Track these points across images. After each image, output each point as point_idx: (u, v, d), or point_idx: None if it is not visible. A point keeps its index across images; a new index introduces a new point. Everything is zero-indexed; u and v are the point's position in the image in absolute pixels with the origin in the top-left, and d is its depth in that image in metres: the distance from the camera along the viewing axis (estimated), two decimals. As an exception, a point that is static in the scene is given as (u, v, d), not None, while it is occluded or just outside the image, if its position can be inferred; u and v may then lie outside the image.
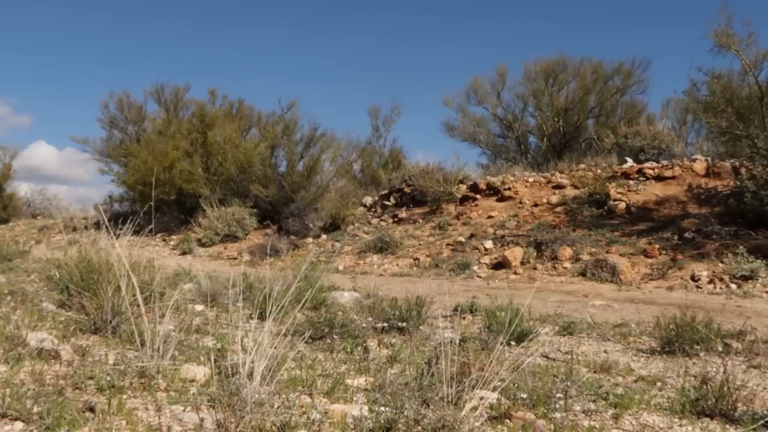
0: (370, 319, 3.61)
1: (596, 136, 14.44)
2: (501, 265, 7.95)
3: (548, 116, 16.58)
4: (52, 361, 2.18)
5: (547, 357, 3.00)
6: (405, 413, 1.68)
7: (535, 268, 7.63)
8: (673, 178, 9.57)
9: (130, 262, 2.73)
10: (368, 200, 12.66)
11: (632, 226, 8.34)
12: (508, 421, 1.86)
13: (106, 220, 3.18)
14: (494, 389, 1.90)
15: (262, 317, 2.60)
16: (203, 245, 11.78)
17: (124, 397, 1.84)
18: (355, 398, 2.01)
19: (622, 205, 8.97)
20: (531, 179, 10.78)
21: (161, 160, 13.73)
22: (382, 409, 1.80)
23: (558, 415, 1.96)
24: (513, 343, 2.94)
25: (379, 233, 10.05)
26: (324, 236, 10.93)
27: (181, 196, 13.94)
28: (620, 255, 7.27)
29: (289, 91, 48.49)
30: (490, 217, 9.90)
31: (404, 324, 3.40)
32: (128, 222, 3.17)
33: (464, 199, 10.69)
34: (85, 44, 46.09)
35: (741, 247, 6.56)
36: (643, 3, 39.11)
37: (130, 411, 1.73)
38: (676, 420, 2.04)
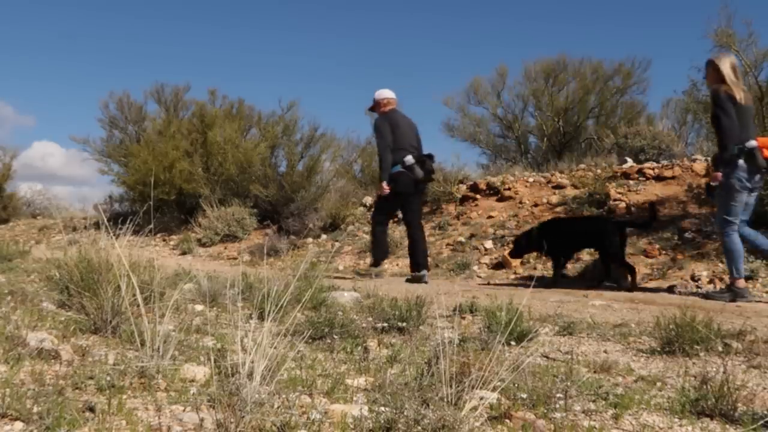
0: (370, 319, 3.60)
1: (596, 136, 14.45)
2: (501, 265, 7.94)
3: (548, 116, 16.60)
4: (52, 361, 2.18)
5: (547, 357, 3.00)
6: (405, 413, 1.68)
7: (535, 268, 7.63)
8: (673, 178, 9.56)
9: (130, 262, 2.73)
10: (368, 200, 12.66)
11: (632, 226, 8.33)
12: (508, 421, 1.86)
13: (105, 220, 3.18)
14: (494, 389, 1.90)
15: (262, 317, 2.59)
16: (203, 245, 11.78)
17: (124, 397, 1.84)
18: (355, 398, 2.00)
19: (622, 205, 8.97)
20: (531, 179, 10.77)
21: (161, 160, 13.74)
22: (382, 409, 1.80)
23: (558, 415, 1.96)
24: (513, 343, 2.94)
25: (379, 233, 10.02)
26: (324, 236, 10.94)
27: (181, 196, 13.94)
28: (620, 255, 7.26)
29: (289, 91, 48.61)
30: (490, 217, 9.90)
31: (404, 324, 3.39)
32: (128, 222, 3.17)
33: (464, 199, 10.69)
34: (85, 44, 46.17)
35: (741, 247, 6.56)
36: (643, 3, 39.12)
37: (130, 411, 1.73)
38: (676, 420, 2.04)
